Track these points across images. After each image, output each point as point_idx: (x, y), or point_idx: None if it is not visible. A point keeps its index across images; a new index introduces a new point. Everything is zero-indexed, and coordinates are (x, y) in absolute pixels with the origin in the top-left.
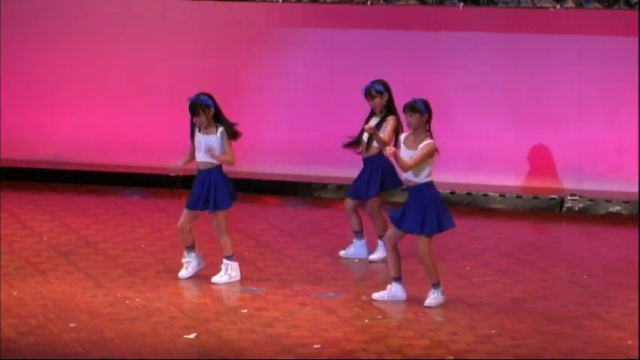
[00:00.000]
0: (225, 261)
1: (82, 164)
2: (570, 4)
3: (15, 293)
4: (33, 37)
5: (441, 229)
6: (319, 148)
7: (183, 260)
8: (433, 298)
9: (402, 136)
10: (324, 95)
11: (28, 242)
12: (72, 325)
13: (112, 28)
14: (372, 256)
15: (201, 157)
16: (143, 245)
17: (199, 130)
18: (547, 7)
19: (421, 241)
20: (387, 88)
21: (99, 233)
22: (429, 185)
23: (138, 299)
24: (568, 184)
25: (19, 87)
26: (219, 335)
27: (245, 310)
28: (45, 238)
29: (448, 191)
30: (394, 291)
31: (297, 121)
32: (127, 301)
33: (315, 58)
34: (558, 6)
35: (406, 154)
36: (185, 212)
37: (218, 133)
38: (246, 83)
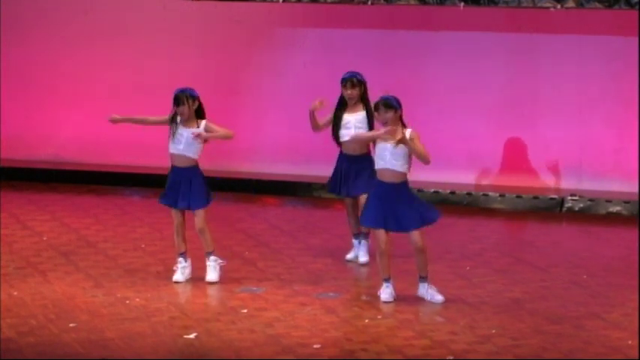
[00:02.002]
0: (211, 257)
1: (82, 164)
2: (571, 4)
3: (15, 293)
4: (33, 37)
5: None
6: (319, 148)
7: (180, 266)
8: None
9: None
10: (324, 95)
11: (28, 242)
12: (72, 325)
13: (112, 28)
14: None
15: (181, 149)
16: (143, 245)
17: (180, 123)
18: (547, 7)
19: (416, 234)
20: (364, 79)
21: (99, 233)
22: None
23: (138, 299)
24: (568, 184)
25: (19, 87)
26: (219, 335)
27: (245, 310)
28: (45, 238)
29: (448, 191)
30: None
31: (297, 121)
32: (127, 301)
33: (315, 58)
34: (559, 6)
35: (387, 148)
36: (175, 213)
37: (202, 127)
38: (246, 83)
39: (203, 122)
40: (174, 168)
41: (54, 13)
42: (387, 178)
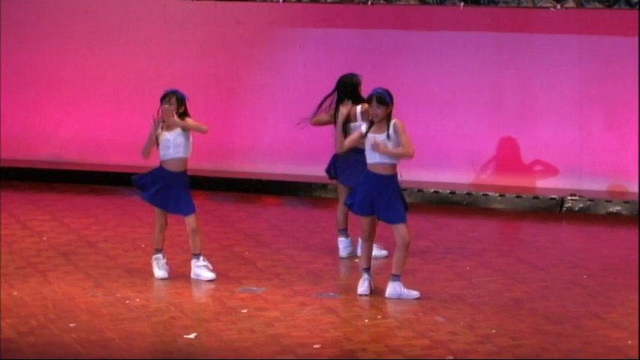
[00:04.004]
0: (200, 258)
1: (82, 164)
2: (570, 4)
3: (15, 293)
4: (33, 37)
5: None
6: (319, 148)
7: (162, 262)
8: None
9: (364, 126)
10: (324, 95)
11: (28, 242)
12: (72, 325)
13: (112, 28)
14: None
15: (171, 153)
16: (143, 245)
17: (162, 129)
18: (547, 7)
19: (404, 228)
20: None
21: (99, 233)
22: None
23: (138, 299)
24: (568, 184)
25: (19, 87)
26: (219, 335)
27: (245, 310)
28: (45, 238)
29: (448, 191)
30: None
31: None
32: (127, 301)
33: (315, 58)
34: (558, 6)
35: (374, 139)
36: (159, 213)
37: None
38: (246, 83)
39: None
40: (166, 171)
41: (54, 13)
42: (379, 171)
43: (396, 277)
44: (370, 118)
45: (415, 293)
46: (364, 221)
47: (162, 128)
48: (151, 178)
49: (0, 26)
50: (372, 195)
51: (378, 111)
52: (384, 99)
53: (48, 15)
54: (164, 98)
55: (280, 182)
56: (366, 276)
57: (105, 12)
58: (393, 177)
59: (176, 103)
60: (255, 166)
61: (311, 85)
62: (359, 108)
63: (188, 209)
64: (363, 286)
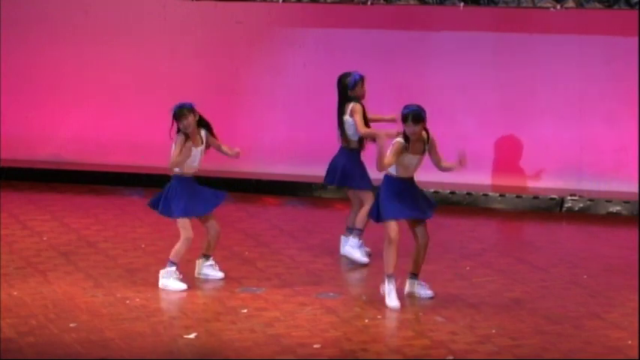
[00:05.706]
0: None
1: (82, 164)
2: (570, 4)
3: (15, 293)
4: (33, 37)
5: None
6: (319, 148)
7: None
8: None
9: (401, 144)
10: (324, 95)
11: (28, 242)
12: (72, 325)
13: (112, 28)
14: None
15: (196, 166)
16: (143, 245)
17: (187, 141)
18: (547, 7)
19: (425, 227)
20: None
21: (99, 233)
22: None
23: (138, 299)
24: (568, 184)
25: (19, 87)
26: (219, 335)
27: (245, 310)
28: (45, 238)
29: (448, 191)
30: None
31: (297, 121)
32: (127, 301)
33: (315, 58)
34: (558, 6)
35: (413, 163)
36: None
37: (203, 137)
38: (246, 83)
39: (202, 132)
40: (185, 179)
41: (54, 13)
42: (404, 177)
43: (415, 276)
44: (404, 134)
45: (430, 292)
46: (393, 224)
47: (186, 141)
48: (173, 193)
49: (0, 26)
50: (404, 198)
51: (416, 129)
52: (420, 116)
53: (48, 15)
54: (178, 117)
55: (280, 182)
56: (391, 286)
57: (105, 12)
58: (413, 178)
59: (192, 115)
60: (255, 166)
61: (311, 85)
62: (351, 105)
63: (213, 204)
64: (392, 298)
